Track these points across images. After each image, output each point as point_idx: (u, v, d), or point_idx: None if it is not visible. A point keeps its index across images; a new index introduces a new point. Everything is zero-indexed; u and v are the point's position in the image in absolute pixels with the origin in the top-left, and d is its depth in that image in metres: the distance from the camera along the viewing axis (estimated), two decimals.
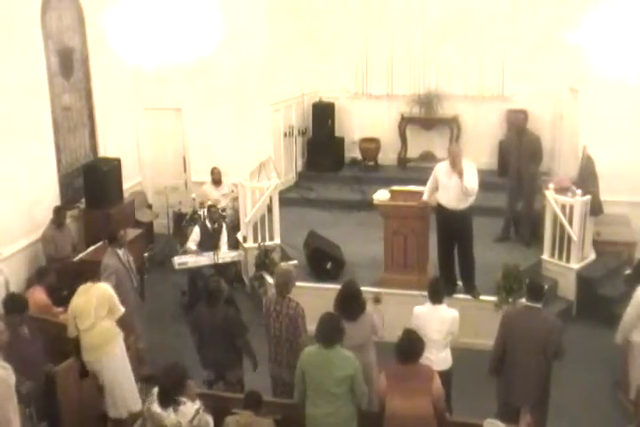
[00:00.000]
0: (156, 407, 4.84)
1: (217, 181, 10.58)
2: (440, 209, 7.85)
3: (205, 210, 9.43)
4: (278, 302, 6.14)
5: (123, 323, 6.96)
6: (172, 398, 4.81)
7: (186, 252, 8.98)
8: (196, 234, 9.01)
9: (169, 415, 4.79)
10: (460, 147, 7.96)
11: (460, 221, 7.78)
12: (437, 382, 5.13)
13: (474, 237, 7.99)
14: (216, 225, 9.12)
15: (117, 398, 6.61)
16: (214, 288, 6.32)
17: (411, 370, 5.14)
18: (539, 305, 5.92)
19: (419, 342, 5.22)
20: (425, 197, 7.91)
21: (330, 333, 5.26)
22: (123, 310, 6.67)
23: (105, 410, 6.65)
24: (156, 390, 4.93)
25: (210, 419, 4.97)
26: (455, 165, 7.58)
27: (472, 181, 7.56)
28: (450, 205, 7.73)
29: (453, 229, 7.84)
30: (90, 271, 6.78)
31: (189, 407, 4.83)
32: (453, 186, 7.62)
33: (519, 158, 9.33)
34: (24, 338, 5.99)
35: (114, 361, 6.56)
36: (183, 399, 4.85)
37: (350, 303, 5.96)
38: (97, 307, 6.51)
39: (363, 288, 7.82)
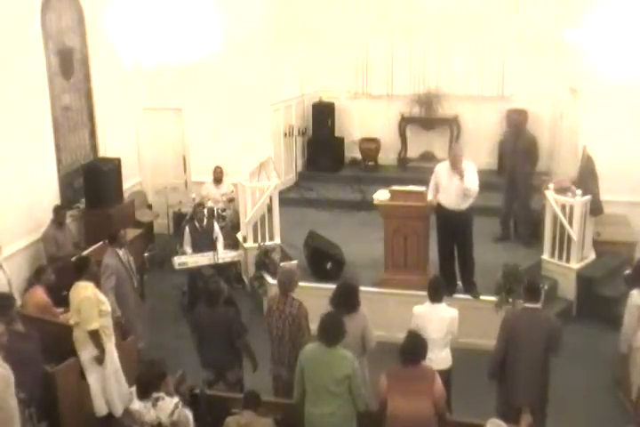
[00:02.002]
0: (134, 404, 4.84)
1: (218, 179, 10.59)
2: (440, 209, 7.86)
3: (198, 209, 9.44)
4: (281, 302, 6.14)
5: (118, 322, 6.98)
6: (151, 394, 4.81)
7: (184, 254, 8.98)
8: (187, 236, 9.02)
9: (148, 411, 4.79)
10: (461, 147, 7.95)
11: (460, 221, 7.79)
12: (439, 383, 5.13)
13: (474, 237, 8.00)
14: (205, 223, 9.10)
15: (103, 396, 6.61)
16: (214, 288, 6.32)
17: (412, 371, 5.13)
18: (538, 305, 5.93)
19: (422, 345, 5.22)
20: (430, 198, 7.92)
21: (332, 332, 5.26)
22: (92, 327, 6.43)
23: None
24: (134, 388, 4.93)
25: (189, 414, 4.97)
26: (455, 167, 7.59)
27: (472, 182, 7.58)
28: (450, 205, 7.74)
29: (454, 229, 7.85)
30: (79, 269, 6.70)
31: (168, 403, 4.83)
32: (454, 187, 7.63)
33: (514, 158, 9.37)
34: (18, 335, 5.97)
35: (87, 365, 6.53)
36: (162, 395, 4.85)
37: (346, 298, 5.96)
38: (76, 309, 6.50)
39: (363, 288, 7.91)
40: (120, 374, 6.66)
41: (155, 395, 4.82)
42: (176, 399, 4.90)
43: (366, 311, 6.08)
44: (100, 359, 6.48)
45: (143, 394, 4.81)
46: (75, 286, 6.57)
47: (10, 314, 6.05)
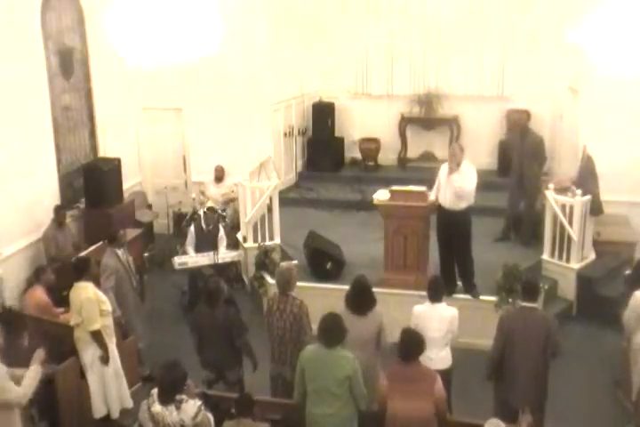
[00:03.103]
0: (156, 407, 4.84)
1: (219, 178, 10.61)
2: (439, 209, 7.86)
3: (203, 210, 9.41)
4: (282, 301, 6.14)
5: (118, 322, 6.98)
6: (173, 397, 4.82)
7: (185, 253, 8.98)
8: (191, 236, 9.00)
9: (171, 414, 4.79)
10: (461, 146, 7.93)
11: (457, 221, 7.77)
12: (439, 384, 5.12)
13: (474, 238, 7.99)
14: (211, 227, 9.07)
15: (102, 397, 6.62)
16: (214, 288, 6.32)
17: (413, 372, 5.13)
18: (535, 305, 5.93)
19: (419, 340, 5.22)
20: (432, 198, 7.92)
21: (332, 333, 5.26)
22: (94, 327, 6.44)
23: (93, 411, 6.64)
24: (155, 390, 4.93)
25: (210, 417, 4.98)
26: (449, 162, 7.62)
27: (463, 182, 7.55)
28: (446, 204, 7.74)
29: (451, 229, 7.83)
30: (80, 270, 6.67)
31: (191, 405, 4.84)
32: (450, 186, 7.63)
33: (521, 158, 9.32)
34: (21, 348, 5.96)
35: (89, 365, 6.54)
36: (184, 397, 4.86)
37: (360, 298, 5.98)
38: (77, 309, 6.48)
39: None
40: (120, 374, 6.68)
41: (178, 397, 4.82)
42: (199, 402, 4.91)
43: (381, 313, 6.08)
44: (104, 359, 6.49)
45: (166, 397, 4.81)
46: (75, 287, 6.57)
47: (18, 331, 6.05)
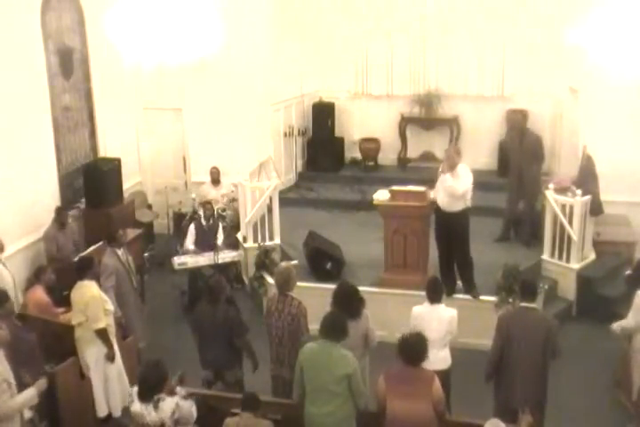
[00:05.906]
0: (135, 406, 4.85)
1: (215, 180, 10.59)
2: (437, 210, 7.87)
3: (197, 205, 9.46)
4: (280, 301, 6.14)
5: (118, 322, 6.99)
6: (152, 396, 4.82)
7: (185, 252, 8.99)
8: (191, 233, 9.04)
9: (149, 413, 4.79)
10: (457, 148, 7.93)
11: (454, 222, 7.76)
12: (437, 385, 5.11)
13: (474, 238, 7.99)
14: (211, 222, 9.12)
15: (105, 396, 6.64)
16: (215, 285, 6.33)
17: (411, 373, 5.12)
18: (534, 305, 5.93)
19: (425, 346, 5.21)
20: (432, 196, 7.92)
21: (334, 331, 5.26)
22: (100, 325, 6.46)
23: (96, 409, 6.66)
24: (135, 389, 4.94)
25: (190, 405, 4.97)
26: (442, 165, 7.63)
27: (456, 183, 7.55)
28: (443, 206, 7.75)
29: (448, 230, 7.83)
30: (83, 269, 6.69)
31: (168, 403, 4.84)
32: (445, 187, 7.64)
33: (520, 159, 9.32)
34: (19, 327, 5.95)
35: (92, 364, 6.56)
36: (162, 396, 4.86)
37: (350, 302, 5.95)
38: (81, 308, 6.49)
39: (363, 288, 7.90)
40: (122, 373, 6.69)
41: (156, 396, 4.82)
42: (176, 398, 4.91)
43: (368, 312, 6.07)
44: (110, 357, 6.51)
45: (145, 396, 4.81)
46: (78, 286, 6.58)
47: (5, 308, 6.02)
